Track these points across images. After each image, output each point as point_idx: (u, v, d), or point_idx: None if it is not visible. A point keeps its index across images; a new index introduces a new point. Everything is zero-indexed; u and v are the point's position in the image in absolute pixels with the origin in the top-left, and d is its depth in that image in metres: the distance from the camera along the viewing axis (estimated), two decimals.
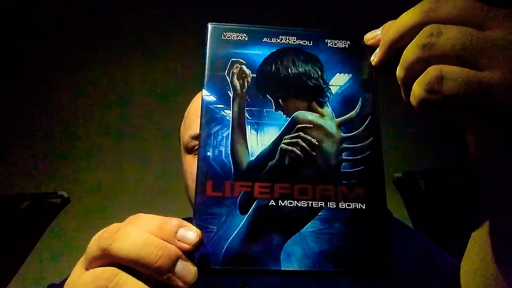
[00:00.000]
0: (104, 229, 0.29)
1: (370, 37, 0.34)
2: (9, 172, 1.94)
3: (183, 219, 0.72)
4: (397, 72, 0.31)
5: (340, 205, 0.31)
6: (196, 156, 0.59)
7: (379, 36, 0.33)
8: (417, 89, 0.28)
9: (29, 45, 1.67)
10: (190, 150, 0.60)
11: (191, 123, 0.61)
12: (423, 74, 0.28)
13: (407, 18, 0.30)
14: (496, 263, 0.34)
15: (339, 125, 0.33)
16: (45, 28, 1.61)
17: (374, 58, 0.34)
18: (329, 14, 1.65)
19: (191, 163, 0.59)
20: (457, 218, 1.61)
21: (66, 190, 1.91)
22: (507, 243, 0.33)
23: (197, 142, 0.59)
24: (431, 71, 0.27)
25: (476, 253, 0.37)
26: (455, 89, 0.26)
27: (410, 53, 0.29)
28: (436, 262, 0.53)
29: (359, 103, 0.33)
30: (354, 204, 0.31)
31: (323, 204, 0.31)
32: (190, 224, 0.29)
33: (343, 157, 0.32)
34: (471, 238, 0.37)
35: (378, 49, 0.33)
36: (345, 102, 0.34)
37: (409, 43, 0.29)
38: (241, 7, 1.59)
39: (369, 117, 0.33)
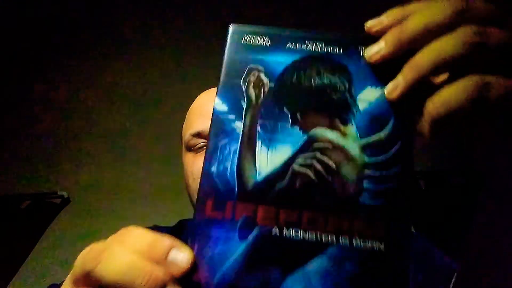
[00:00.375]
0: (90, 247, 0.28)
1: (374, 24, 0.29)
2: (9, 172, 1.94)
3: (183, 220, 0.71)
4: (414, 71, 0.26)
5: (354, 242, 0.27)
6: (197, 154, 0.59)
7: (386, 23, 0.28)
8: (454, 97, 0.25)
9: (29, 44, 1.67)
10: (190, 148, 0.60)
11: (192, 121, 0.61)
12: (461, 81, 0.25)
13: (436, 11, 0.26)
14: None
15: (364, 148, 0.28)
16: (45, 27, 1.61)
17: (374, 52, 0.28)
18: (329, 13, 1.65)
19: (191, 162, 0.59)
20: (457, 218, 1.61)
21: (66, 190, 1.91)
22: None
23: (197, 140, 0.59)
24: (476, 78, 0.24)
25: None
26: (499, 98, 0.24)
27: (449, 49, 0.25)
28: (435, 263, 0.53)
29: (390, 123, 0.28)
30: (371, 243, 0.27)
31: (334, 239, 0.27)
32: (184, 245, 0.27)
33: (364, 185, 0.28)
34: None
35: (381, 42, 0.28)
36: (374, 121, 0.29)
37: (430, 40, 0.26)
38: (246, 6, 1.59)
39: (400, 140, 0.28)
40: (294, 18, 1.62)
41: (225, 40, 0.32)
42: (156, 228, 0.65)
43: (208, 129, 0.58)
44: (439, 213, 1.66)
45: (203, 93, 0.66)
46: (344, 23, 1.63)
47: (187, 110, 0.68)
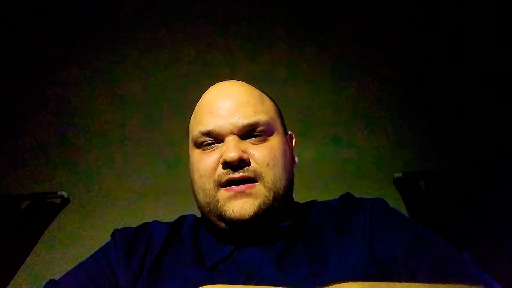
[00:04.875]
0: None
1: None
2: (9, 172, 1.94)
3: (183, 216, 0.71)
4: None
5: None
6: (204, 151, 0.59)
7: None
8: None
9: (30, 44, 1.67)
10: (198, 145, 0.61)
11: (202, 117, 0.61)
12: None
13: None
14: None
15: None
16: (46, 26, 1.61)
17: None
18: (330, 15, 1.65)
19: (199, 159, 0.60)
20: (457, 218, 1.61)
21: (66, 190, 1.91)
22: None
23: (205, 138, 0.59)
24: None
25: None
26: None
27: None
28: (432, 245, 0.53)
29: None
30: None
31: None
32: None
33: None
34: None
35: None
36: None
37: None
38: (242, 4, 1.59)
39: None
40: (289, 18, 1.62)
41: None
42: (156, 223, 0.66)
43: (218, 129, 0.56)
44: (439, 213, 1.66)
45: (212, 87, 0.65)
46: (342, 23, 1.64)
47: (188, 111, 0.67)
